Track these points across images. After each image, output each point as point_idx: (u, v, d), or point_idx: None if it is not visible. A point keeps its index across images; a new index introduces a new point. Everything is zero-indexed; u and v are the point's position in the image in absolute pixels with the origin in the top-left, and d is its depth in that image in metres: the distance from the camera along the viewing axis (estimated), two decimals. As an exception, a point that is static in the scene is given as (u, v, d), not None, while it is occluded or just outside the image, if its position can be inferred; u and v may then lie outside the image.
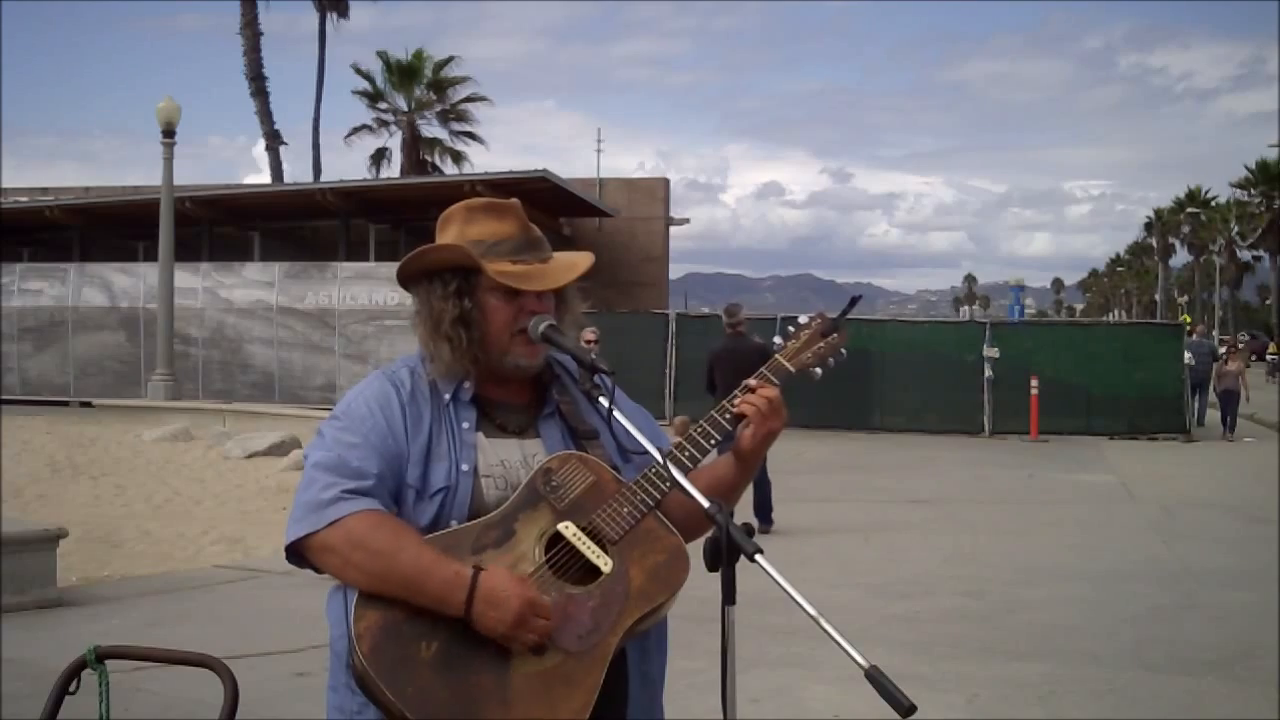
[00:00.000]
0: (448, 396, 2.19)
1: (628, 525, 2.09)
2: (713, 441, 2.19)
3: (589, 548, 2.07)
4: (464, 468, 2.13)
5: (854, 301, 2.41)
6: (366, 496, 2.04)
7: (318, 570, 2.08)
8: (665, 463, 2.12)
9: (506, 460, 2.18)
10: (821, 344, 2.30)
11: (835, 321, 2.32)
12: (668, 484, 2.11)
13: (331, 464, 2.07)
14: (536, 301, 2.19)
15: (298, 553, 2.07)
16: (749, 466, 2.26)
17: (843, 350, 2.32)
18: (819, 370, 2.29)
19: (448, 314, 2.16)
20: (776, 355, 2.29)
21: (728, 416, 2.20)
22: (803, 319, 2.33)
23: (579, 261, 2.27)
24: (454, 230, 2.23)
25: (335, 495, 2.03)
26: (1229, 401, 21.56)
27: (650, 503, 2.11)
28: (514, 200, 2.27)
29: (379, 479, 2.07)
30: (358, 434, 2.11)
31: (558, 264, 2.24)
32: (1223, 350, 23.60)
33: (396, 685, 1.92)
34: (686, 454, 2.16)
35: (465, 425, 2.17)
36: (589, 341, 11.88)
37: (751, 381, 2.23)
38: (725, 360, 10.83)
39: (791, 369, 2.27)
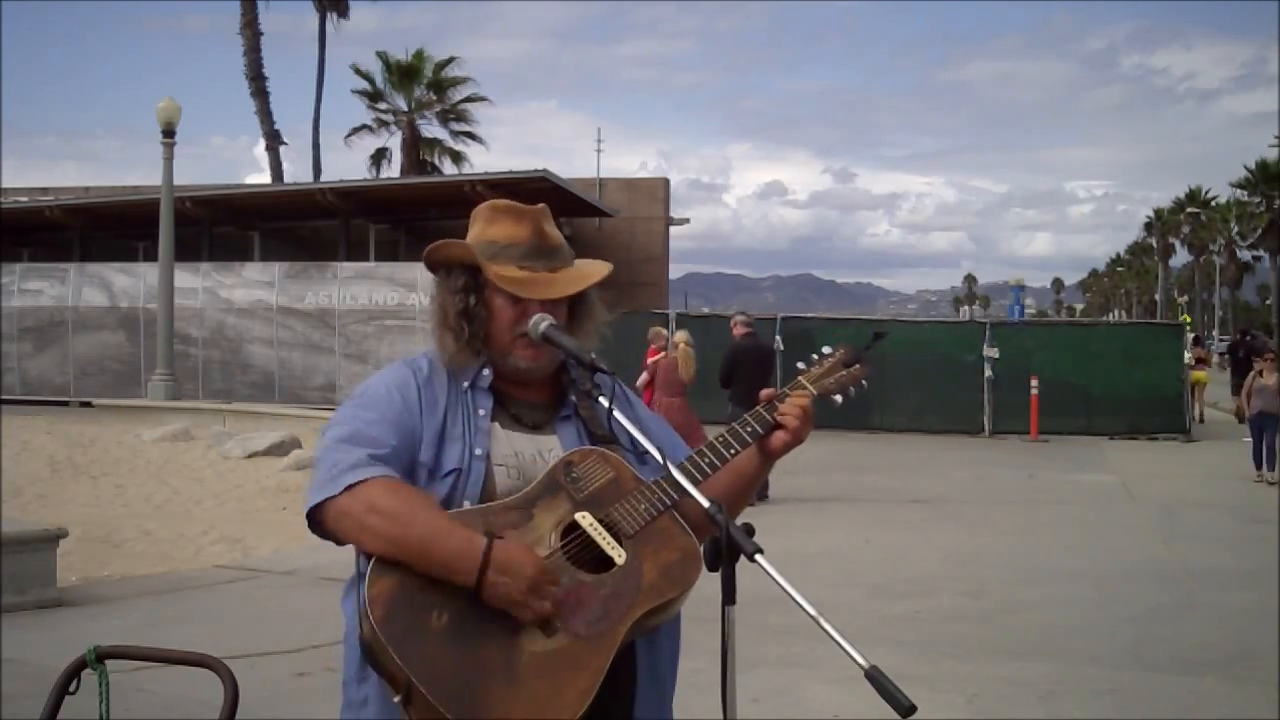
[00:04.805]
0: (466, 383, 2.23)
1: (644, 521, 2.12)
2: (733, 451, 2.23)
3: (604, 539, 2.10)
4: (478, 452, 2.17)
5: (879, 336, 2.51)
6: (383, 464, 2.08)
7: (337, 540, 2.10)
8: (666, 463, 2.15)
9: (521, 452, 2.21)
10: (843, 373, 2.36)
11: (859, 354, 2.38)
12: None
13: (348, 435, 2.11)
14: (539, 306, 2.23)
15: (317, 520, 2.09)
16: (770, 465, 2.32)
17: (864, 382, 2.37)
18: (839, 398, 2.35)
19: (453, 307, 2.23)
20: (799, 377, 2.35)
21: (749, 429, 2.25)
22: (826, 350, 2.39)
23: (592, 272, 2.30)
24: (477, 228, 2.29)
25: (352, 462, 2.06)
26: (1266, 426, 15.09)
27: (667, 502, 2.15)
28: (540, 206, 2.32)
29: (394, 450, 2.11)
30: (375, 410, 2.16)
31: (569, 274, 2.27)
32: (1204, 348, 21.62)
33: (405, 652, 1.93)
34: (706, 461, 2.20)
35: (481, 412, 2.21)
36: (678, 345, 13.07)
37: (786, 392, 2.30)
38: (744, 358, 12.66)
39: (814, 391, 2.32)
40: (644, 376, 13.02)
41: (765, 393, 2.31)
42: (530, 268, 2.23)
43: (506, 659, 1.97)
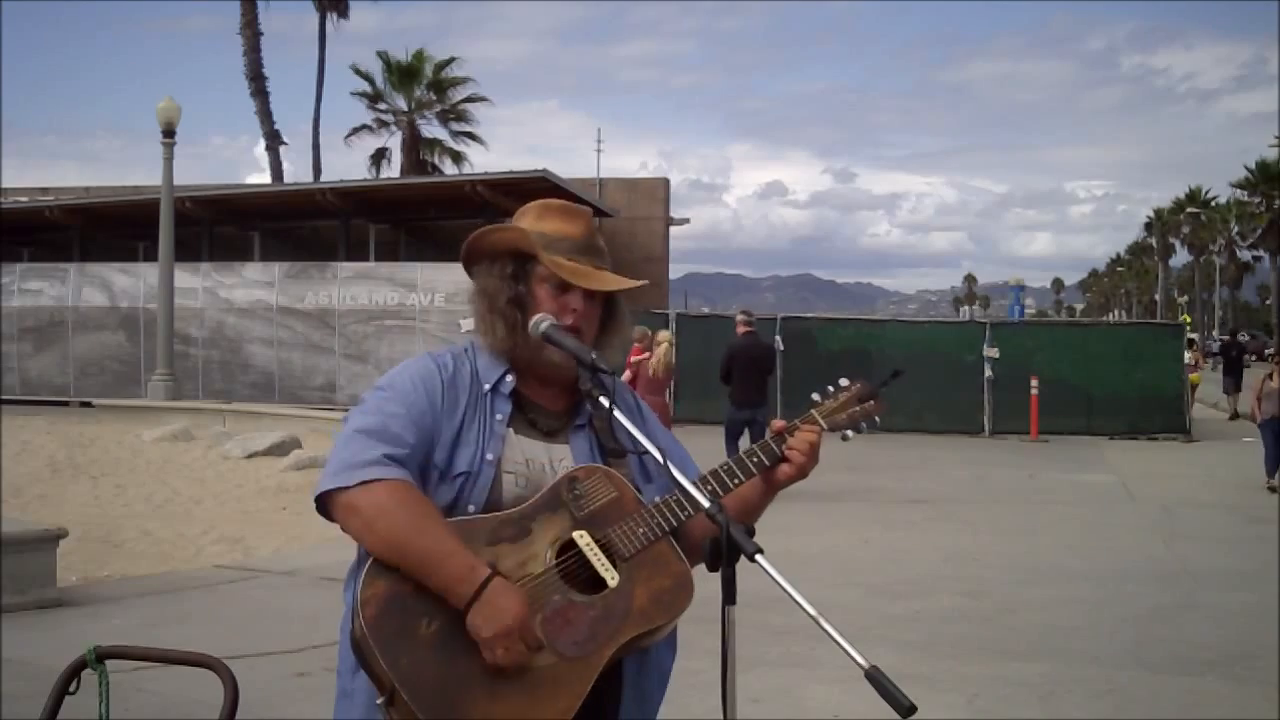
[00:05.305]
0: (487, 387, 2.24)
1: (641, 545, 2.13)
2: (737, 481, 2.25)
3: (599, 560, 2.10)
4: (489, 457, 2.17)
5: (896, 374, 2.52)
6: (400, 465, 2.08)
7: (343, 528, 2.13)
8: (666, 462, 2.15)
9: (531, 460, 2.22)
10: (857, 408, 2.38)
11: (874, 390, 2.40)
12: (685, 513, 2.15)
13: (373, 428, 2.11)
14: (581, 301, 2.25)
15: (326, 506, 2.10)
16: (774, 494, 2.35)
17: (876, 419, 2.40)
18: (850, 433, 2.37)
19: (503, 294, 2.24)
20: (813, 411, 2.36)
21: (756, 460, 2.27)
22: (843, 382, 2.40)
23: (631, 281, 2.34)
24: (526, 222, 2.32)
25: (371, 458, 2.07)
26: (1277, 432, 14.21)
27: (666, 527, 2.15)
28: (587, 208, 2.38)
29: (412, 451, 2.12)
30: (401, 405, 2.16)
31: (612, 276, 2.31)
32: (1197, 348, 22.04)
33: (391, 655, 1.95)
34: (709, 488, 2.21)
35: (499, 417, 2.22)
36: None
37: (798, 424, 2.32)
38: (741, 356, 13.00)
39: (825, 426, 2.34)
40: (626, 374, 13.22)
41: (776, 424, 2.32)
42: (579, 261, 2.26)
43: (490, 673, 1.98)
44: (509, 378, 2.25)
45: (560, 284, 2.24)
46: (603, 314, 2.33)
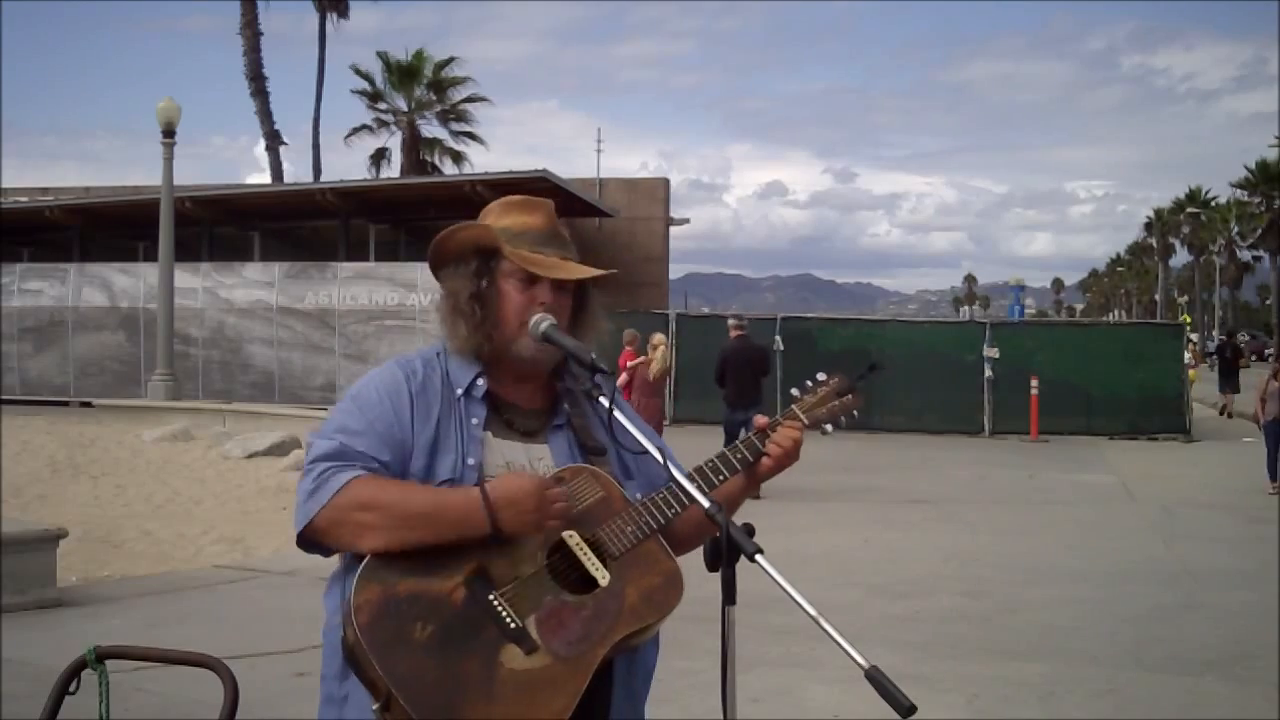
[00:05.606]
0: (460, 391, 2.22)
1: (630, 543, 2.13)
2: (721, 478, 2.26)
3: (589, 559, 2.11)
4: (470, 461, 2.16)
5: (872, 368, 2.59)
6: (360, 468, 2.07)
7: (329, 553, 2.11)
8: (666, 463, 2.17)
9: (512, 462, 2.21)
10: (835, 403, 2.40)
11: (852, 384, 2.43)
12: (673, 510, 2.16)
13: (330, 453, 2.10)
14: (549, 293, 2.23)
15: (309, 540, 2.09)
16: (755, 488, 2.37)
17: (855, 412, 2.42)
18: (830, 427, 2.40)
19: (465, 290, 2.23)
20: (793, 406, 2.38)
21: (739, 456, 2.29)
22: (821, 376, 2.43)
23: (596, 270, 2.32)
24: (489, 220, 2.32)
25: (329, 478, 2.06)
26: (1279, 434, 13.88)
27: (654, 525, 2.16)
28: (547, 200, 2.35)
29: (383, 465, 2.11)
30: (362, 421, 2.15)
31: (578, 265, 2.29)
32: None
33: (387, 661, 1.95)
34: (694, 485, 2.21)
35: (474, 421, 2.21)
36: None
37: (780, 420, 2.34)
38: (734, 359, 13.31)
39: (805, 421, 2.36)
40: (623, 377, 13.40)
41: (759, 420, 2.34)
42: (544, 252, 2.25)
43: (486, 676, 1.98)
44: (481, 380, 2.23)
45: (527, 277, 2.23)
46: (574, 304, 2.32)
